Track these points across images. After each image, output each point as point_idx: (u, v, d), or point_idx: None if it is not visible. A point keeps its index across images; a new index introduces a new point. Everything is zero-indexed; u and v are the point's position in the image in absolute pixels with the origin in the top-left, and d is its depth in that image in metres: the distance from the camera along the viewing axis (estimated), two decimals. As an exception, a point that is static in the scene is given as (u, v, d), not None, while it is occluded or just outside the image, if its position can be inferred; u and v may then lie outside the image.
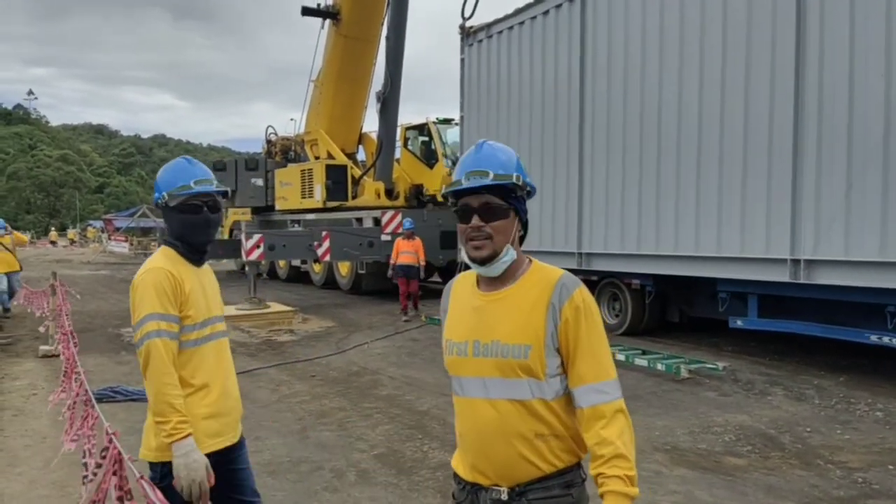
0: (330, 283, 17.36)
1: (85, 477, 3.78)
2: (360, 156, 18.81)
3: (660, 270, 9.18)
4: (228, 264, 21.25)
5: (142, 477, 2.41)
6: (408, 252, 12.70)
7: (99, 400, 5.07)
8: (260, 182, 19.99)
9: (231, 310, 11.91)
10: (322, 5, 16.57)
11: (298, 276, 19.59)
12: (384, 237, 14.32)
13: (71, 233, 61.93)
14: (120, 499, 2.77)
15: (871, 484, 4.68)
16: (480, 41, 12.32)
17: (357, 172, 17.21)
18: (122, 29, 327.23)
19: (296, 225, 18.02)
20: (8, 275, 13.08)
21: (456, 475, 2.00)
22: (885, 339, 7.01)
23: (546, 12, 10.74)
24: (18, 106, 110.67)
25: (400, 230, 13.57)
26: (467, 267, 1.99)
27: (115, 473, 2.82)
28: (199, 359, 2.59)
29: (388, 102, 15.96)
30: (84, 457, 3.99)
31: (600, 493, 1.75)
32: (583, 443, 1.88)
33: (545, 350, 1.82)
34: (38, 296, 13.88)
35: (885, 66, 6.60)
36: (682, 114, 8.63)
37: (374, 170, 16.67)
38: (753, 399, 6.90)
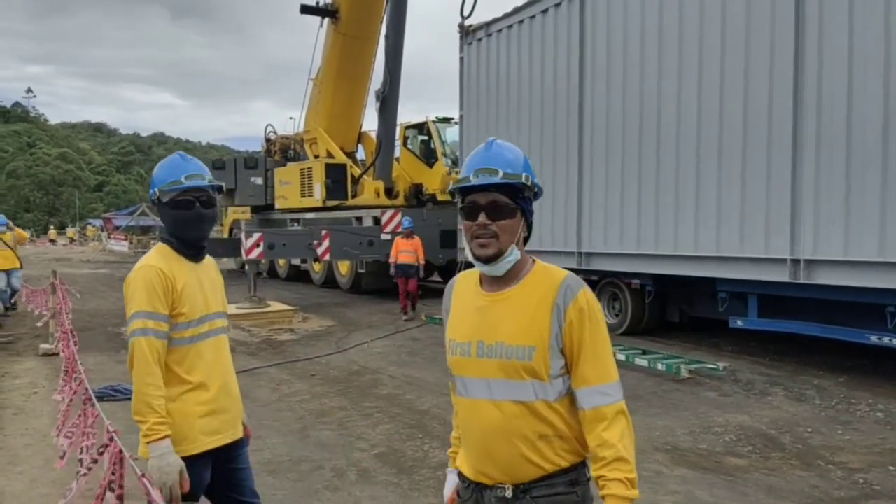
0: (330, 282, 17.35)
1: (78, 472, 3.79)
2: (360, 154, 18.80)
3: (659, 270, 9.18)
4: (228, 263, 21.22)
5: (143, 475, 2.41)
6: (407, 251, 12.70)
7: (99, 398, 5.07)
8: (259, 181, 19.96)
9: (231, 308, 11.80)
10: (321, 3, 16.53)
11: (298, 275, 19.59)
12: (384, 236, 14.31)
13: (70, 231, 61.88)
14: (120, 497, 2.77)
15: (871, 485, 4.68)
16: (480, 40, 12.31)
17: (356, 171, 17.19)
18: (120, 26, 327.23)
19: (295, 224, 18.02)
20: (7, 272, 13.05)
21: (460, 474, 2.01)
22: (885, 340, 7.01)
23: (545, 11, 10.73)
24: (17, 104, 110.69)
25: (399, 229, 13.57)
26: (468, 266, 1.98)
27: (113, 473, 2.83)
28: (195, 356, 2.58)
29: (388, 101, 15.95)
30: (81, 453, 4.00)
31: (602, 496, 1.77)
32: (586, 443, 1.88)
33: (550, 352, 1.82)
34: (37, 294, 13.87)
35: (884, 67, 6.60)
36: (682, 113, 8.63)
37: (374, 169, 16.66)
38: (754, 399, 6.90)
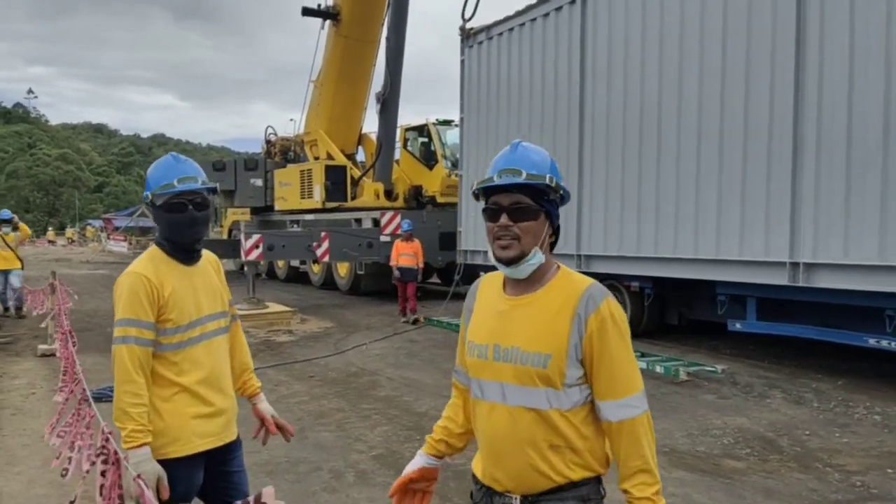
0: (329, 283, 17.35)
1: (66, 471, 3.80)
2: (360, 156, 18.83)
3: (659, 273, 9.18)
4: (227, 264, 21.23)
5: (138, 476, 2.40)
6: (407, 254, 12.69)
7: (97, 399, 5.06)
8: (259, 182, 19.99)
9: (230, 310, 11.89)
10: (322, 6, 16.59)
11: (297, 277, 19.59)
12: (383, 238, 14.32)
13: (69, 232, 61.85)
14: (120, 497, 2.76)
15: (869, 487, 4.68)
16: (480, 43, 12.33)
17: (356, 173, 17.21)
18: (122, 28, 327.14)
19: (295, 225, 18.03)
20: (6, 272, 13.00)
21: (474, 475, 2.00)
22: (884, 343, 7.02)
23: (546, 14, 10.75)
24: (18, 104, 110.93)
25: (399, 231, 13.57)
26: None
27: (103, 474, 2.82)
28: (185, 360, 2.56)
29: (388, 103, 15.98)
30: (74, 451, 4.00)
31: None
32: (600, 458, 1.87)
33: (567, 360, 1.79)
34: (36, 294, 13.86)
35: (885, 69, 6.61)
36: (682, 117, 8.64)
37: (374, 171, 16.68)
38: (752, 402, 6.90)
